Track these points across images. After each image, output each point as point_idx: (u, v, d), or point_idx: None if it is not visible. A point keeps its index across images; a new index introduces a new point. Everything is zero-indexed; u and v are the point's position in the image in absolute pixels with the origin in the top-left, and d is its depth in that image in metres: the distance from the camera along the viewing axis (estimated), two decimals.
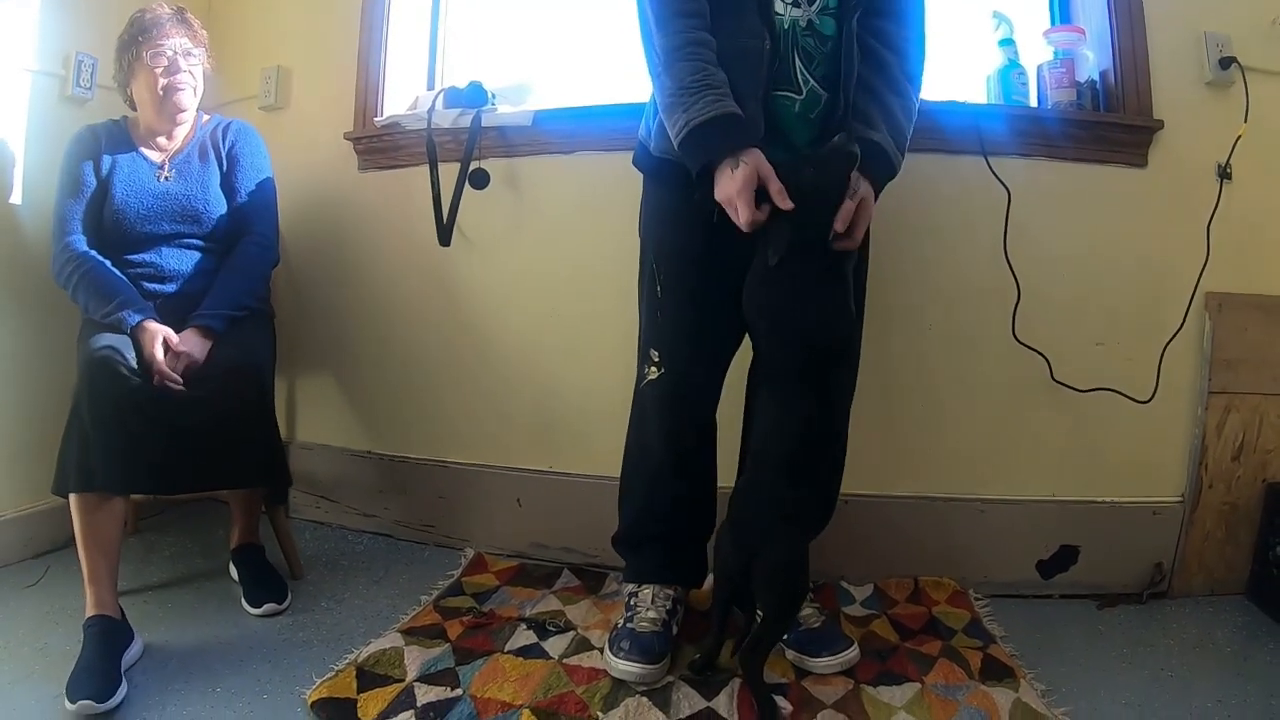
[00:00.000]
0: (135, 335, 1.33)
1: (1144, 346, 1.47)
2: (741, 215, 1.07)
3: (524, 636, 1.34)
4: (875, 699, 1.17)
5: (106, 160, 1.44)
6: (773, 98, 1.13)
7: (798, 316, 1.10)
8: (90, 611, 1.23)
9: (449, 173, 1.65)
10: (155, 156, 1.49)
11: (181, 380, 1.31)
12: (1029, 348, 1.46)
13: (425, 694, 1.16)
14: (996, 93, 1.55)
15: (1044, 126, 1.47)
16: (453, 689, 1.17)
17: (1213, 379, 1.45)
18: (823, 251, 1.08)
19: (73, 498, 1.25)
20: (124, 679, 1.16)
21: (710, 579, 1.37)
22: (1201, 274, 1.43)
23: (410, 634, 1.33)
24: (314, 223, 1.79)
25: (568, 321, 1.66)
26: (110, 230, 1.44)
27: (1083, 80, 1.50)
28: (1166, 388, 1.46)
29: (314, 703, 1.14)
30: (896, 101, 1.15)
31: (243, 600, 1.44)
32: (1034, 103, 1.54)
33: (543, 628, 1.37)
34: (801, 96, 1.14)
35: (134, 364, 1.29)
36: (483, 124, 1.64)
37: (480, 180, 1.66)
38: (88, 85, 1.71)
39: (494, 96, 1.70)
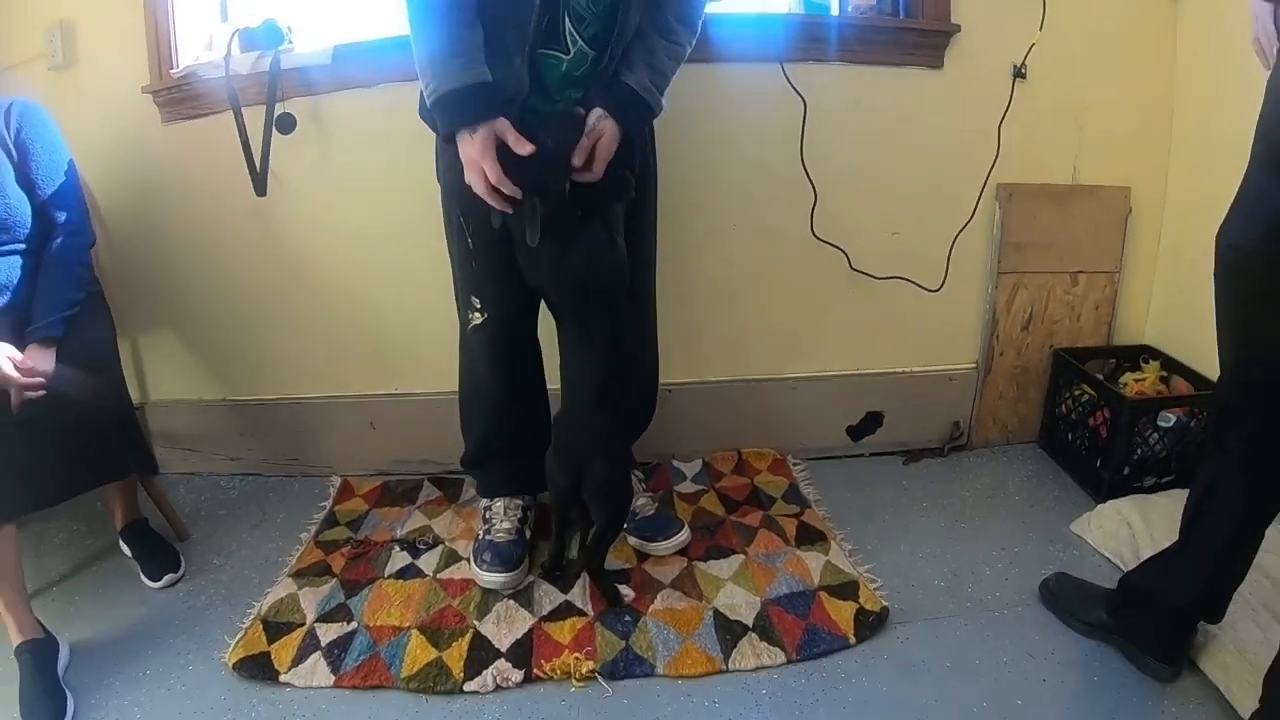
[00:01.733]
0: None
1: (937, 236, 1.79)
2: (490, 175, 1.20)
3: (400, 559, 1.66)
4: (706, 573, 1.55)
5: None
6: (540, 56, 1.27)
7: (568, 267, 1.30)
8: (16, 640, 1.41)
9: (254, 117, 1.74)
10: None
11: (40, 389, 1.43)
12: (827, 243, 1.75)
13: (326, 633, 1.46)
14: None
15: (843, 34, 1.66)
16: (349, 623, 1.48)
17: (1002, 261, 1.80)
18: (572, 200, 1.26)
19: None
20: (67, 692, 1.37)
21: None
22: (992, 169, 1.73)
23: (300, 576, 1.62)
24: (124, 182, 1.86)
25: (388, 249, 1.86)
26: None
27: None
28: (958, 271, 1.80)
29: (235, 664, 1.40)
30: (661, 44, 1.31)
31: (141, 576, 1.67)
32: (835, 10, 1.73)
33: (414, 547, 1.70)
34: (569, 56, 1.28)
35: None
36: (282, 66, 1.72)
37: (287, 125, 1.76)
38: None
39: (290, 31, 1.76)
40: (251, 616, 1.53)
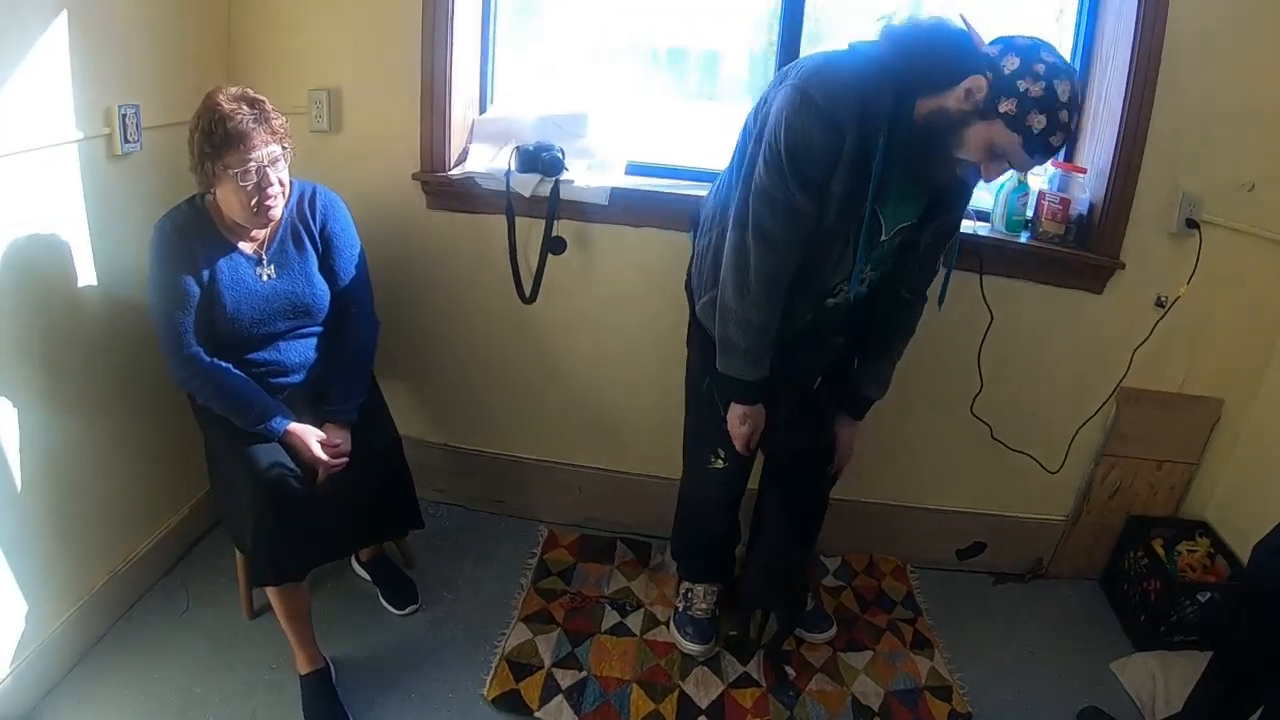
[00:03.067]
0: (287, 441, 1.77)
1: (1064, 425, 2.40)
2: (739, 445, 1.86)
3: (611, 616, 2.26)
4: (846, 663, 2.19)
5: (203, 266, 1.69)
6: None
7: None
8: (304, 670, 1.85)
9: (522, 228, 2.20)
10: (249, 248, 1.76)
11: (341, 466, 1.82)
12: (979, 418, 2.35)
13: (563, 677, 2.04)
14: (1002, 206, 2.22)
15: (1032, 255, 2.20)
16: (580, 671, 2.07)
17: (1106, 446, 2.42)
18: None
19: (271, 590, 1.80)
20: (349, 715, 1.83)
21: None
22: (1121, 380, 2.32)
23: (530, 621, 2.20)
24: (387, 251, 2.21)
25: (623, 355, 2.39)
26: (226, 335, 1.74)
27: (1073, 216, 2.18)
28: (1074, 454, 2.43)
29: (493, 699, 1.96)
30: (892, 365, 1.95)
31: (383, 602, 2.18)
32: (1029, 215, 2.25)
33: (623, 607, 2.29)
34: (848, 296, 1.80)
35: (298, 470, 1.76)
36: (560, 195, 2.17)
37: (559, 247, 2.22)
38: (134, 139, 1.89)
39: (562, 154, 2.17)
40: (497, 655, 2.09)
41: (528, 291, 2.27)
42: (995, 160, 1.47)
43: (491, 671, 2.06)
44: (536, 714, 1.97)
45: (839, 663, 2.22)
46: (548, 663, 2.11)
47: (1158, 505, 2.54)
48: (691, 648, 2.18)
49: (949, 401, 2.36)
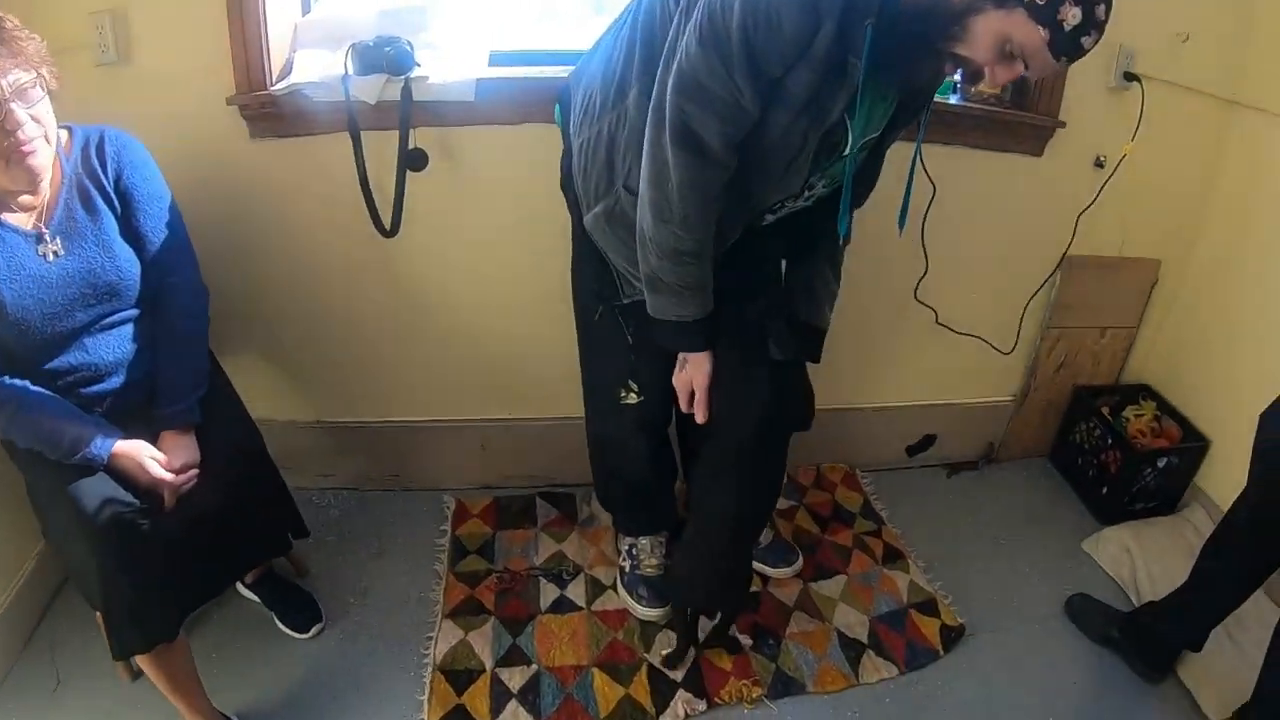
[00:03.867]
0: (116, 466, 1.42)
1: (1011, 300, 2.30)
2: (684, 405, 1.59)
3: (549, 591, 2.01)
4: (820, 594, 2.05)
5: None
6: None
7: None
8: None
9: (371, 145, 1.80)
10: (23, 221, 1.38)
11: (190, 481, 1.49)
12: (923, 303, 2.19)
13: (510, 678, 1.80)
14: None
15: (969, 118, 2.02)
16: (528, 665, 1.83)
17: (1052, 319, 2.33)
18: None
19: (141, 658, 1.48)
20: None
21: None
22: (1068, 248, 2.23)
23: (457, 616, 1.92)
24: (207, 201, 1.78)
25: (511, 287, 2.06)
26: (11, 342, 1.38)
27: None
28: (1023, 330, 2.33)
29: None
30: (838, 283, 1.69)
31: (281, 626, 1.86)
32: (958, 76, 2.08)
33: (559, 577, 2.05)
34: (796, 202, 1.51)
35: (138, 502, 1.42)
36: (415, 97, 1.77)
37: (419, 161, 1.84)
38: None
39: (411, 47, 1.77)
40: (428, 667, 1.82)
41: (387, 222, 1.88)
42: (1006, 61, 1.16)
43: (427, 689, 1.79)
44: None
45: (813, 596, 2.08)
46: (489, 664, 1.85)
47: (1101, 374, 2.52)
48: (649, 612, 1.97)
49: (891, 289, 2.19)
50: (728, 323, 1.52)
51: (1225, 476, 2.28)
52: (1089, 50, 1.15)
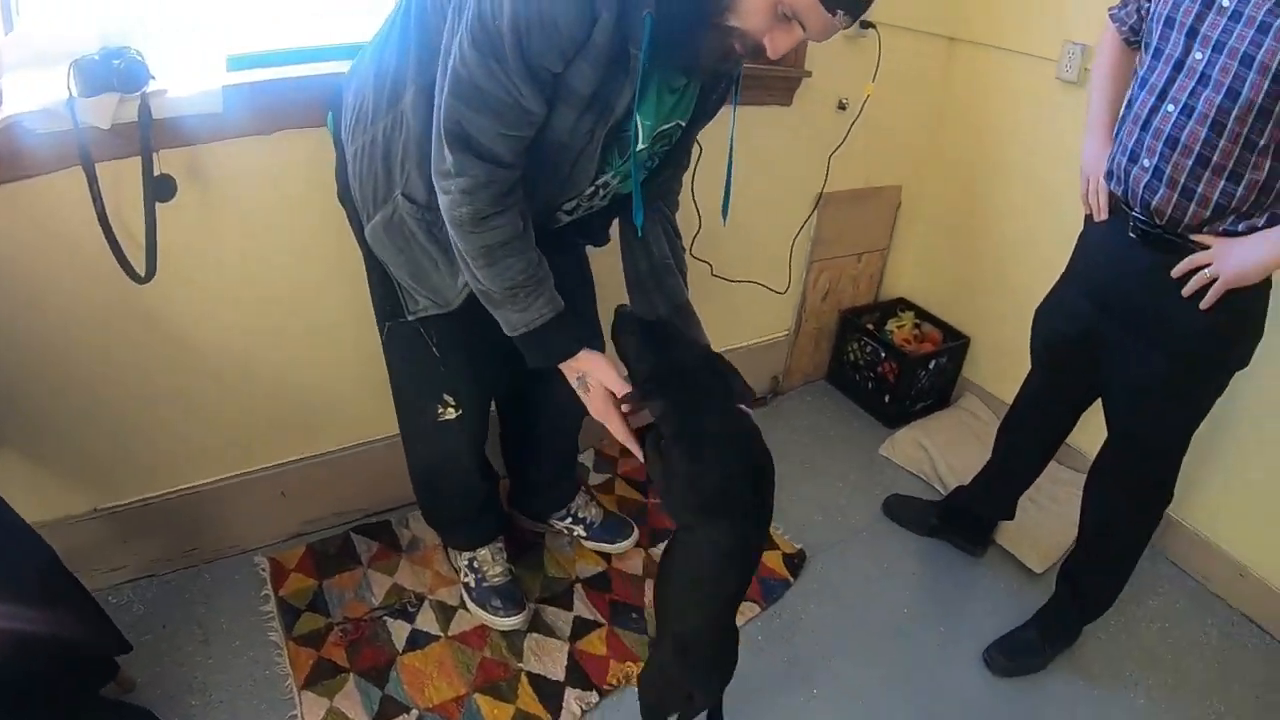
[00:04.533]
0: None
1: (778, 241, 2.48)
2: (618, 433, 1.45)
3: (400, 629, 1.90)
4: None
5: None
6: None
7: None
8: None
9: (107, 178, 1.53)
10: None
11: None
12: (698, 259, 2.27)
13: None
14: None
15: None
16: (408, 712, 1.73)
17: (814, 252, 2.56)
18: None
19: None
20: None
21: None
22: (824, 186, 2.44)
23: (313, 685, 1.76)
24: None
25: (292, 311, 1.88)
26: None
27: None
28: (787, 265, 2.54)
29: None
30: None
31: None
32: None
33: (405, 612, 1.95)
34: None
35: None
36: (155, 114, 1.54)
37: (166, 191, 1.61)
38: None
39: (142, 56, 1.53)
40: None
41: (140, 266, 1.64)
42: (782, 25, 1.16)
43: None
44: None
45: (657, 561, 2.13)
46: None
47: (861, 296, 2.82)
48: (509, 621, 1.94)
49: None
50: None
51: (988, 365, 2.70)
52: (870, 2, 1.16)
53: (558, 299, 1.41)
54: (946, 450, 2.47)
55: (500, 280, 1.34)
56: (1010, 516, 2.19)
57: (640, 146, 1.34)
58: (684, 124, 1.43)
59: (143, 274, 1.63)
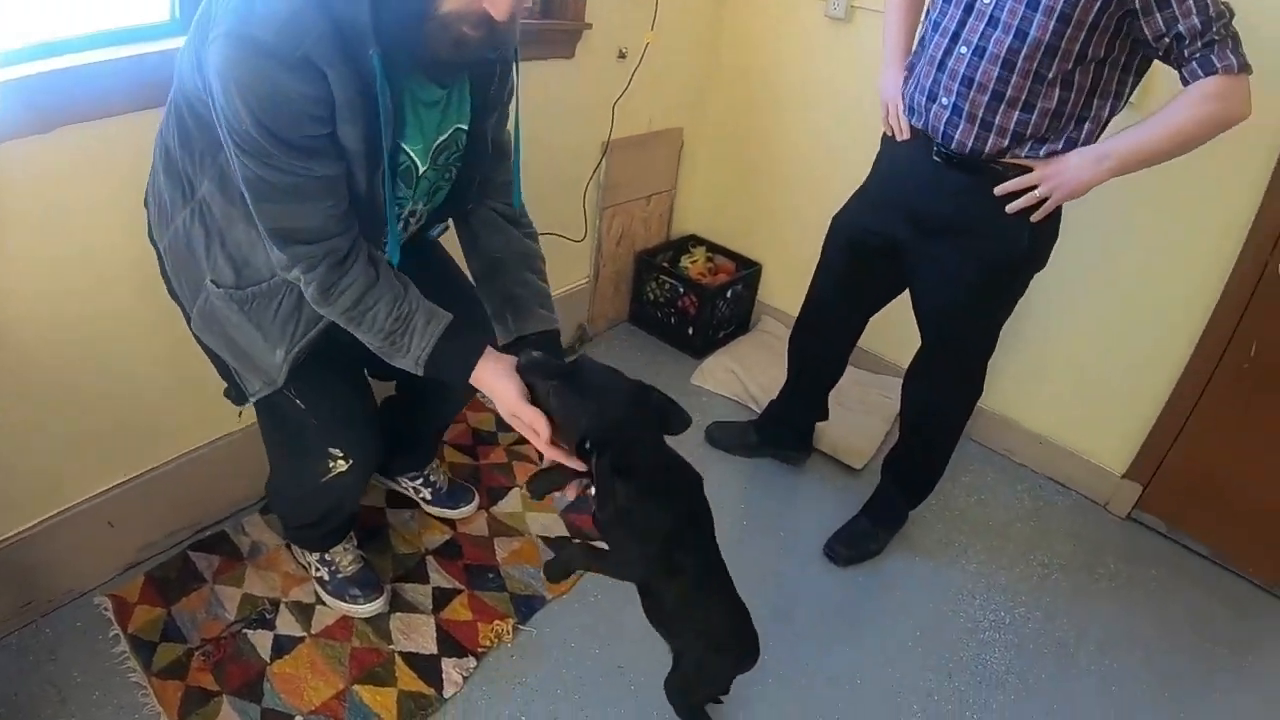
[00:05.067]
0: None
1: (571, 192, 2.56)
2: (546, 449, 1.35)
3: (261, 639, 1.85)
4: (506, 512, 2.22)
5: None
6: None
7: None
8: None
9: None
10: None
11: None
12: None
13: None
14: None
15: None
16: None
17: (605, 199, 2.65)
18: None
19: None
20: None
21: None
22: (609, 138, 2.53)
23: (186, 717, 1.67)
24: None
25: (88, 319, 1.72)
26: None
27: None
28: (581, 213, 2.63)
29: None
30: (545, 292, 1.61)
31: None
32: None
33: (262, 618, 1.89)
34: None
35: None
36: None
37: None
38: None
39: None
40: None
41: None
42: None
43: None
44: None
45: (500, 518, 2.24)
46: None
47: (653, 237, 2.97)
48: (370, 607, 1.94)
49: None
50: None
51: (781, 287, 2.97)
52: None
53: (439, 315, 1.39)
54: (755, 370, 2.70)
55: (373, 333, 1.36)
56: (825, 416, 2.42)
57: (423, 168, 1.38)
58: (465, 127, 1.43)
59: None
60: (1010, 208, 1.69)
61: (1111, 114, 1.65)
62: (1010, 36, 1.54)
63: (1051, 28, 1.50)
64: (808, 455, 2.53)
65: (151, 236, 1.49)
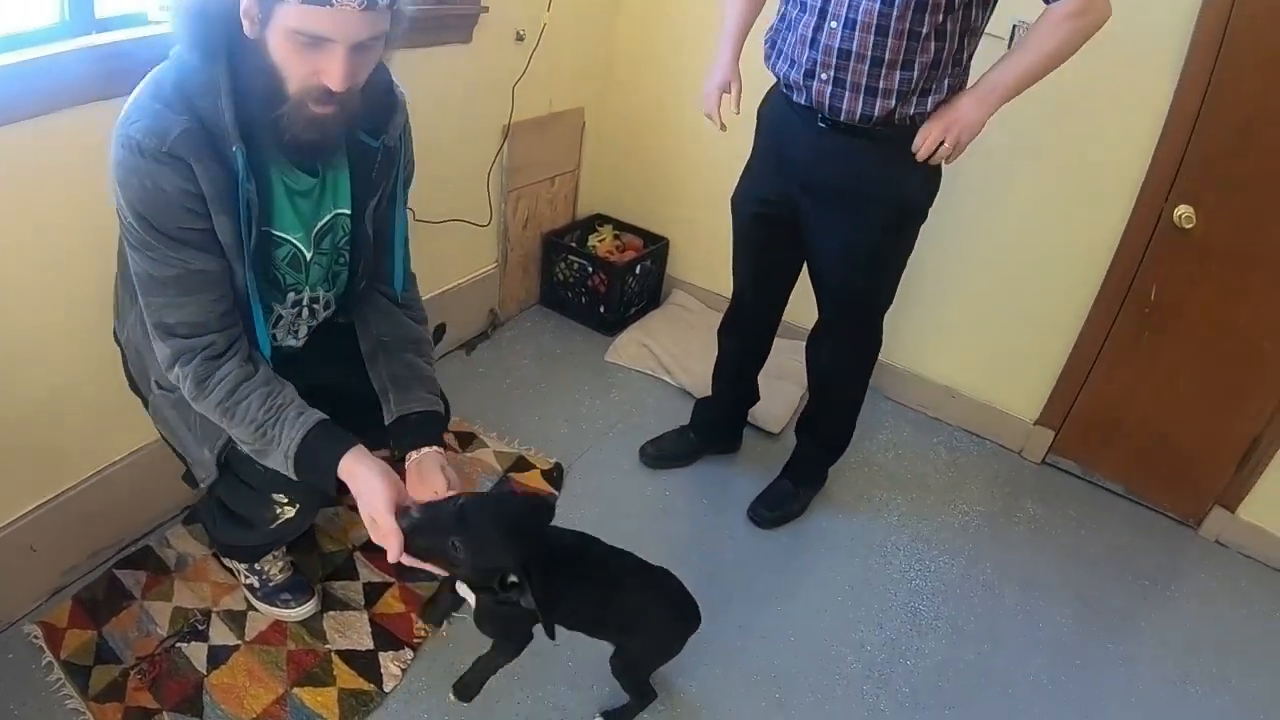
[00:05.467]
0: None
1: (474, 177, 2.57)
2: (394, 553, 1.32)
3: (196, 652, 1.82)
4: None
5: None
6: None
7: None
8: None
9: None
10: None
11: None
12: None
13: None
14: None
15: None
16: None
17: (508, 182, 2.66)
18: None
19: None
20: None
21: None
22: (511, 117, 2.54)
23: None
24: None
25: (18, 333, 1.67)
26: None
27: None
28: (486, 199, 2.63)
29: None
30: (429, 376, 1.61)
31: None
32: None
33: (195, 630, 1.86)
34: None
35: None
36: None
37: None
38: None
39: None
40: None
41: None
42: (316, 53, 1.17)
43: None
44: None
45: None
46: None
47: (560, 217, 3.00)
48: (301, 611, 1.93)
49: None
50: None
51: (688, 261, 3.05)
52: None
53: (313, 412, 1.39)
54: (667, 343, 2.76)
55: (245, 425, 1.36)
56: (757, 398, 2.46)
57: (309, 254, 1.45)
58: (346, 211, 1.47)
59: None
60: (920, 157, 1.75)
61: (973, 50, 1.73)
62: (878, 4, 1.58)
63: None
64: (739, 442, 2.57)
65: (115, 333, 1.58)
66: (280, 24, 1.14)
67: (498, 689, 1.80)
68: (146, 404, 1.58)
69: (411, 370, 1.60)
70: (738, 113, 1.90)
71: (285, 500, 1.58)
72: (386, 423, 1.56)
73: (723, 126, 1.92)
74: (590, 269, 2.85)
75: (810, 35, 1.70)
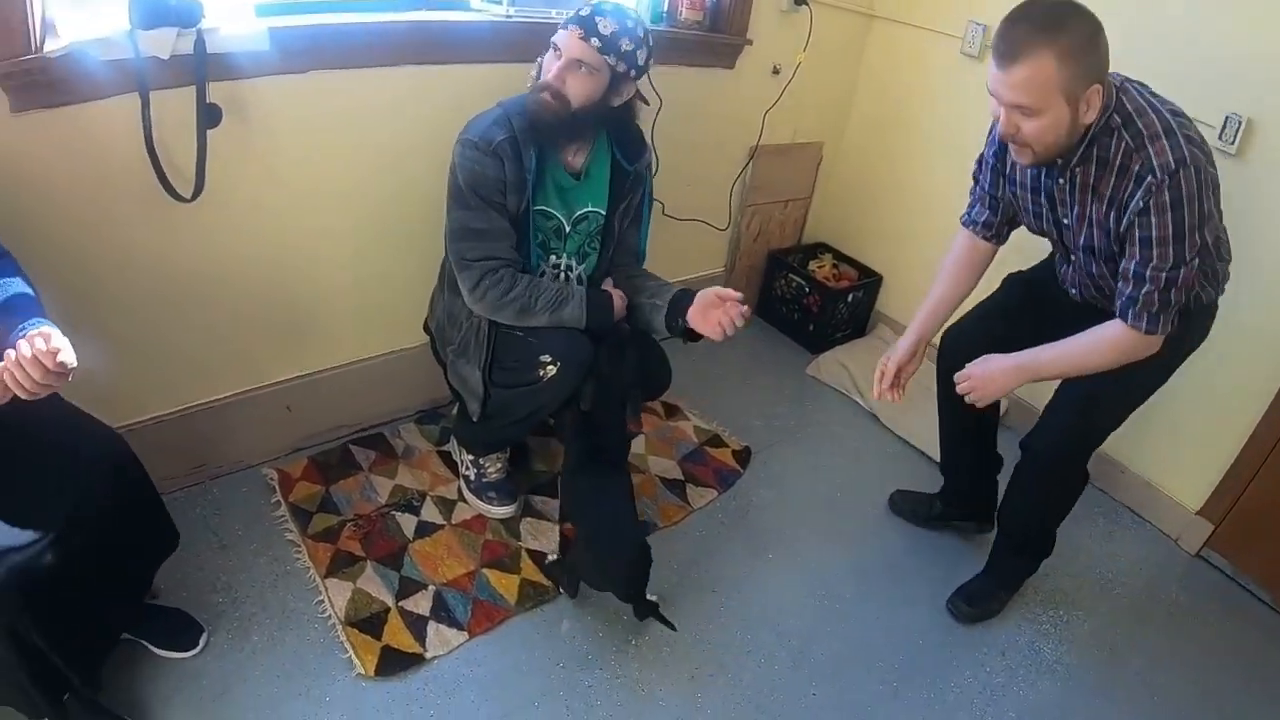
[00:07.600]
0: None
1: (719, 187, 2.88)
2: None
3: (408, 521, 2.15)
4: (631, 454, 2.53)
5: None
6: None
7: None
8: None
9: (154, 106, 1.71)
10: None
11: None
12: (654, 199, 2.56)
13: (417, 604, 1.92)
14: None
15: (679, 41, 2.47)
16: (426, 589, 1.96)
17: (747, 199, 2.96)
18: None
19: None
20: None
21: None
22: (759, 140, 2.84)
23: (334, 574, 1.95)
24: None
25: (305, 231, 2.09)
26: None
27: (708, 4, 2.52)
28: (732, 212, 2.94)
29: (376, 672, 1.77)
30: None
31: (165, 654, 1.72)
32: (665, 7, 2.51)
33: (409, 505, 2.20)
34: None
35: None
36: (209, 49, 1.73)
37: (215, 117, 1.80)
38: None
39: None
40: (336, 627, 1.86)
41: (189, 188, 1.82)
42: (554, 60, 1.85)
43: (348, 648, 1.83)
44: (427, 656, 1.85)
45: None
46: (391, 601, 1.95)
47: (787, 239, 3.24)
48: (502, 510, 2.23)
49: None
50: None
51: (898, 301, 3.18)
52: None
53: (576, 303, 1.95)
54: (863, 370, 2.89)
55: (545, 298, 1.92)
56: (1000, 464, 2.30)
57: (568, 229, 2.02)
58: (602, 211, 2.05)
59: (188, 195, 1.83)
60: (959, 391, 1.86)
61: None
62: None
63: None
64: (991, 528, 2.31)
65: (425, 324, 2.24)
66: (564, 46, 1.82)
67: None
68: (445, 369, 2.15)
69: (656, 279, 2.14)
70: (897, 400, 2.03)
71: (549, 359, 1.92)
72: (664, 312, 2.03)
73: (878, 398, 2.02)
74: (807, 289, 3.05)
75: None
